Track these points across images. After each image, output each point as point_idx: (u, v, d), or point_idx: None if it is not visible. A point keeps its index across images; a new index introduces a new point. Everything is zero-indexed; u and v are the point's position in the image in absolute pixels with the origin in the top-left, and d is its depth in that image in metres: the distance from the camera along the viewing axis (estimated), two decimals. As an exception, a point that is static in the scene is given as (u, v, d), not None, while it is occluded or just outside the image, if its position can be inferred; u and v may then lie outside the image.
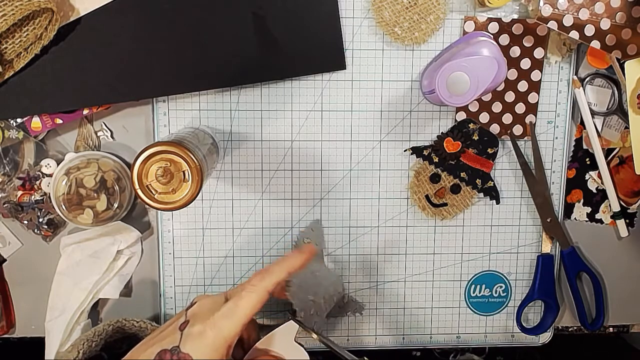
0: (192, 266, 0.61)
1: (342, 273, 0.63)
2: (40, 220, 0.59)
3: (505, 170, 0.62)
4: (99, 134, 0.59)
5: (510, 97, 0.60)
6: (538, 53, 0.59)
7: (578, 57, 0.61)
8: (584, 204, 0.64)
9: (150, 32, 0.55)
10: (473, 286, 0.65)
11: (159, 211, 0.60)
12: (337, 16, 0.57)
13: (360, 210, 0.62)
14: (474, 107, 0.60)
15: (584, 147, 0.63)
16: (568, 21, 0.55)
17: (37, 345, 0.61)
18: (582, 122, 0.62)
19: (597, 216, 0.64)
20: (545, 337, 0.66)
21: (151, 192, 0.45)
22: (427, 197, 0.62)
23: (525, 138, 0.62)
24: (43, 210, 0.59)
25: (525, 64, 0.60)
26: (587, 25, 0.56)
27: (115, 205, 0.57)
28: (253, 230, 0.61)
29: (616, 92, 0.61)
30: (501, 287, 0.65)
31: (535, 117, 0.61)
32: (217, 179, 0.60)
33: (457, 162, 0.61)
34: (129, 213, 0.60)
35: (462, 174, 0.61)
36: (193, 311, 0.43)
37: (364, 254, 0.63)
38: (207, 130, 0.57)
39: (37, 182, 0.58)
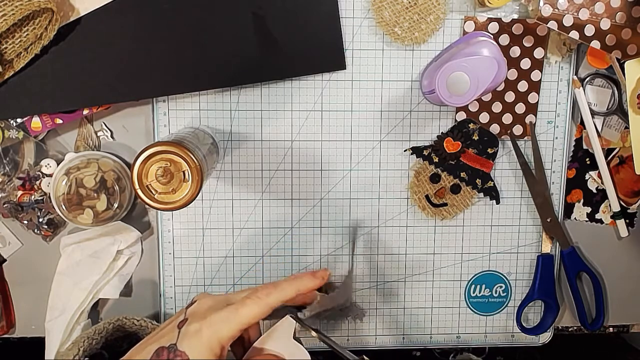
0: (192, 266, 0.61)
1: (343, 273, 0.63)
2: (40, 220, 0.59)
3: (505, 170, 0.62)
4: (99, 134, 0.59)
5: (510, 97, 0.60)
6: (538, 53, 0.59)
7: (578, 57, 0.61)
8: (584, 204, 0.64)
9: (150, 32, 0.55)
10: (473, 286, 0.65)
11: (159, 211, 0.60)
12: (337, 16, 0.57)
13: (360, 210, 0.62)
14: (474, 107, 0.60)
15: (584, 147, 0.63)
16: (568, 21, 0.55)
17: (37, 345, 0.61)
18: (582, 122, 0.62)
19: (597, 216, 0.64)
20: (545, 337, 0.66)
21: (151, 192, 0.45)
22: (427, 197, 0.62)
23: (525, 138, 0.62)
24: (43, 210, 0.59)
25: (525, 64, 0.60)
26: (587, 25, 0.56)
27: (115, 205, 0.57)
28: (253, 230, 0.61)
29: (616, 92, 0.61)
30: (501, 287, 0.65)
31: (535, 117, 0.61)
32: (217, 179, 0.60)
33: (457, 162, 0.61)
34: (129, 213, 0.60)
35: (462, 174, 0.61)
36: (192, 310, 0.43)
37: (364, 254, 0.63)
38: (207, 130, 0.57)
39: (37, 182, 0.58)
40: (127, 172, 0.58)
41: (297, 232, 0.62)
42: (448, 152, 0.60)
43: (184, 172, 0.45)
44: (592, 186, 0.64)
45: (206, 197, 0.60)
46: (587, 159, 0.63)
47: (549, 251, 0.64)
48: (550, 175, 0.63)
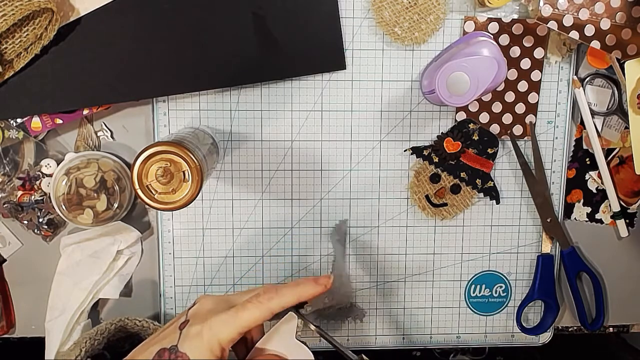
0: (192, 266, 0.61)
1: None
2: (40, 220, 0.59)
3: (505, 170, 0.62)
4: (99, 134, 0.59)
5: (510, 97, 0.60)
6: (538, 53, 0.59)
7: (578, 57, 0.61)
8: (584, 204, 0.64)
9: (150, 32, 0.55)
10: (473, 286, 0.65)
11: (159, 211, 0.60)
12: (337, 16, 0.57)
13: (360, 210, 0.62)
14: (474, 107, 0.60)
15: (584, 147, 0.63)
16: (568, 21, 0.55)
17: (37, 345, 0.61)
18: (582, 122, 0.62)
19: (597, 216, 0.64)
20: (545, 337, 0.66)
21: (151, 192, 0.45)
22: (427, 197, 0.62)
23: (525, 138, 0.62)
24: (43, 210, 0.59)
25: (525, 64, 0.60)
26: (587, 25, 0.56)
27: (115, 205, 0.57)
28: (253, 230, 0.61)
29: (616, 92, 0.61)
30: (501, 287, 0.65)
31: (535, 117, 0.61)
32: (217, 179, 0.60)
33: (457, 162, 0.61)
34: (129, 213, 0.60)
35: (462, 174, 0.61)
36: (194, 311, 0.43)
37: (364, 254, 0.63)
38: (207, 130, 0.57)
39: (37, 182, 0.58)
40: (127, 172, 0.58)
41: (297, 232, 0.62)
42: (448, 152, 0.60)
43: (184, 172, 0.45)
44: (592, 186, 0.64)
45: (206, 197, 0.60)
46: (587, 159, 0.63)
47: (549, 251, 0.64)
48: (550, 175, 0.63)
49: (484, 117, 0.61)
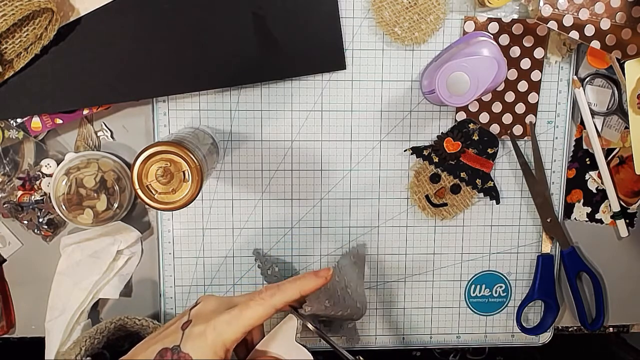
0: (192, 266, 0.61)
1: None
2: (40, 220, 0.59)
3: (505, 170, 0.62)
4: (99, 134, 0.59)
5: (510, 97, 0.60)
6: (538, 53, 0.59)
7: (578, 57, 0.61)
8: (584, 204, 0.64)
9: (150, 32, 0.55)
10: (473, 286, 0.65)
11: (159, 211, 0.60)
12: (337, 16, 0.57)
13: (360, 210, 0.62)
14: (474, 107, 0.60)
15: (584, 147, 0.63)
16: (568, 21, 0.55)
17: (37, 345, 0.61)
18: (582, 122, 0.62)
19: (597, 216, 0.64)
20: (545, 337, 0.66)
21: (151, 192, 0.45)
22: (427, 197, 0.62)
23: (525, 138, 0.62)
24: (43, 210, 0.59)
25: (525, 64, 0.60)
26: (587, 25, 0.56)
27: (115, 205, 0.57)
28: (253, 230, 0.61)
29: (616, 92, 0.61)
30: (501, 287, 0.65)
31: (535, 117, 0.61)
32: (217, 179, 0.60)
33: (457, 162, 0.61)
34: (129, 213, 0.60)
35: (462, 174, 0.61)
36: (196, 311, 0.43)
37: (364, 253, 0.63)
38: (207, 130, 0.57)
39: (37, 182, 0.58)
40: (127, 172, 0.58)
41: (297, 232, 0.62)
42: (448, 152, 0.60)
43: (184, 172, 0.45)
44: (592, 186, 0.64)
45: (206, 197, 0.60)
46: (587, 159, 0.63)
47: (549, 251, 0.64)
48: (550, 175, 0.63)
49: (484, 117, 0.61)
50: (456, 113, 0.61)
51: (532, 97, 0.61)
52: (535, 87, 0.60)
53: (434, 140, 0.61)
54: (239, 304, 0.42)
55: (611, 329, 0.70)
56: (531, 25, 0.59)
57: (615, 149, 0.63)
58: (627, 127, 0.62)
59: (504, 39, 0.59)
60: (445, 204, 0.62)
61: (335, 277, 0.52)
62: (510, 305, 0.66)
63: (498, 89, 0.60)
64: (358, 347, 0.64)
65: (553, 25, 0.55)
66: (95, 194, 0.56)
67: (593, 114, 0.61)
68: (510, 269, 0.65)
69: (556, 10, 0.55)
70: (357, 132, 0.60)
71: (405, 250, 0.63)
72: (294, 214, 0.61)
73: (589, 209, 0.64)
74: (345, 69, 0.58)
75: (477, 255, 0.64)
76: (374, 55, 0.59)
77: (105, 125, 0.59)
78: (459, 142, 0.60)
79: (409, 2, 0.57)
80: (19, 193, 0.58)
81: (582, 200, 0.64)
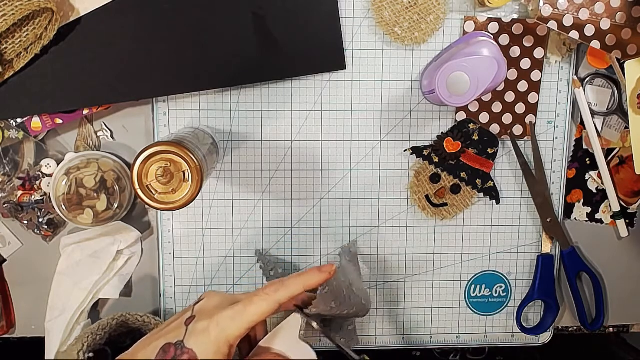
0: (192, 266, 0.61)
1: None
2: (40, 220, 0.59)
3: (505, 170, 0.62)
4: (99, 134, 0.59)
5: (510, 97, 0.60)
6: (538, 53, 0.59)
7: (578, 57, 0.61)
8: (584, 204, 0.64)
9: (150, 32, 0.55)
10: (473, 286, 0.65)
11: (159, 211, 0.60)
12: (337, 16, 0.57)
13: (360, 210, 0.62)
14: (474, 107, 0.60)
15: (584, 147, 0.63)
16: (568, 21, 0.55)
17: (37, 345, 0.61)
18: (582, 122, 0.62)
19: (597, 216, 0.64)
20: (545, 337, 0.66)
21: (151, 192, 0.45)
22: (427, 197, 0.62)
23: (525, 138, 0.62)
24: (43, 210, 0.59)
25: (525, 64, 0.60)
26: (587, 25, 0.56)
27: (115, 205, 0.57)
28: (253, 230, 0.61)
29: (616, 92, 0.61)
30: (501, 287, 0.65)
31: (535, 117, 0.61)
32: (217, 179, 0.60)
33: (457, 162, 0.61)
34: (129, 213, 0.60)
35: (462, 174, 0.61)
36: (200, 307, 0.43)
37: (364, 254, 0.63)
38: (207, 130, 0.57)
39: (37, 182, 0.58)
40: (127, 172, 0.58)
41: (297, 232, 0.62)
42: (448, 152, 0.60)
43: (184, 172, 0.45)
44: (592, 186, 0.64)
45: (206, 197, 0.60)
46: (587, 159, 0.63)
47: (549, 251, 0.64)
48: (550, 175, 0.63)
49: (484, 117, 0.61)
50: (456, 113, 0.61)
51: (532, 97, 0.61)
52: (535, 87, 0.60)
53: (434, 140, 0.61)
54: (243, 299, 0.42)
55: (611, 329, 0.70)
56: (531, 25, 0.59)
57: (615, 149, 0.63)
58: (627, 127, 0.62)
59: (504, 39, 0.59)
60: (445, 204, 0.62)
61: (340, 278, 0.51)
62: (510, 305, 0.66)
63: (498, 89, 0.60)
64: (358, 347, 0.64)
65: (553, 25, 0.55)
66: (95, 194, 0.56)
67: (593, 114, 0.61)
68: (510, 269, 0.65)
69: (556, 10, 0.55)
70: (357, 132, 0.60)
71: (405, 250, 0.63)
72: (294, 214, 0.61)
73: (589, 209, 0.64)
74: (345, 69, 0.58)
75: (477, 255, 0.64)
76: (374, 55, 0.59)
77: (105, 125, 0.59)
78: (459, 142, 0.60)
79: (409, 2, 0.57)
80: (19, 193, 0.58)
81: (582, 200, 0.64)
